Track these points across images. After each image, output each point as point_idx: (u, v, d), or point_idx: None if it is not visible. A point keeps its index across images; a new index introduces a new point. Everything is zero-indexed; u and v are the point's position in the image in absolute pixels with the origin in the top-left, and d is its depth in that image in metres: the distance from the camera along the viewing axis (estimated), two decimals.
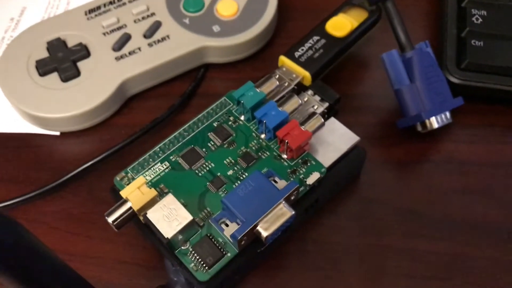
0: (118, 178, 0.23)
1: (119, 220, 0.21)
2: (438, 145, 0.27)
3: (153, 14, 0.29)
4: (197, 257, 0.21)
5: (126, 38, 0.28)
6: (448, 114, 0.25)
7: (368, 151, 0.25)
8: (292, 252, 0.24)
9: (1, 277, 0.11)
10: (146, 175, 0.23)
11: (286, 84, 0.26)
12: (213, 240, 0.21)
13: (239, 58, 0.30)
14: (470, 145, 0.27)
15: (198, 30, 0.29)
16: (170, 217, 0.21)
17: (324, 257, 0.24)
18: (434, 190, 0.26)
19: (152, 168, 0.23)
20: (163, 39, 0.29)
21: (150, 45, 0.28)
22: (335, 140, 0.24)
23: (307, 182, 0.23)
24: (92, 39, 0.29)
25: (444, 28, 0.29)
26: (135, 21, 0.29)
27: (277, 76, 0.26)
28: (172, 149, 0.24)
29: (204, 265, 0.21)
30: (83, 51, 0.28)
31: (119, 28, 0.29)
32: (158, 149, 0.24)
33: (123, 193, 0.21)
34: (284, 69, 0.26)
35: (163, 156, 0.24)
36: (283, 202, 0.21)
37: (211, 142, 0.24)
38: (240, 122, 0.25)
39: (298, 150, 0.23)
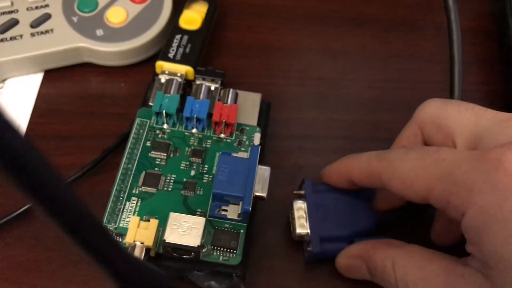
0: None
1: None
2: None
3: (46, 5, 0.30)
4: (221, 249, 0.23)
5: (13, 23, 0.29)
6: None
7: None
8: None
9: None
10: (124, 218, 0.23)
11: (180, 80, 0.28)
12: (222, 229, 0.23)
13: (117, 65, 0.30)
14: None
15: (82, 31, 0.29)
16: (186, 230, 0.22)
17: None
18: None
19: (125, 210, 0.23)
20: (46, 31, 0.29)
21: (32, 34, 0.29)
22: (245, 104, 0.28)
23: (255, 143, 0.26)
24: None
25: None
26: (28, 9, 0.30)
27: (163, 80, 0.28)
28: (128, 185, 0.24)
29: (231, 250, 0.23)
30: None
31: (10, 12, 0.30)
32: (116, 192, 0.24)
33: (129, 239, 0.21)
34: (166, 72, 0.28)
35: (126, 194, 0.24)
36: (258, 165, 0.24)
37: (157, 159, 0.25)
38: (168, 130, 0.26)
39: (233, 124, 0.26)
